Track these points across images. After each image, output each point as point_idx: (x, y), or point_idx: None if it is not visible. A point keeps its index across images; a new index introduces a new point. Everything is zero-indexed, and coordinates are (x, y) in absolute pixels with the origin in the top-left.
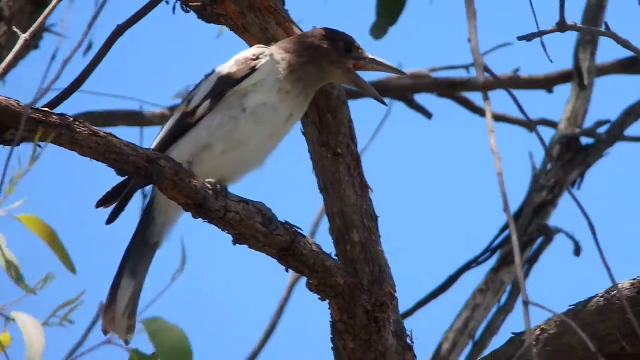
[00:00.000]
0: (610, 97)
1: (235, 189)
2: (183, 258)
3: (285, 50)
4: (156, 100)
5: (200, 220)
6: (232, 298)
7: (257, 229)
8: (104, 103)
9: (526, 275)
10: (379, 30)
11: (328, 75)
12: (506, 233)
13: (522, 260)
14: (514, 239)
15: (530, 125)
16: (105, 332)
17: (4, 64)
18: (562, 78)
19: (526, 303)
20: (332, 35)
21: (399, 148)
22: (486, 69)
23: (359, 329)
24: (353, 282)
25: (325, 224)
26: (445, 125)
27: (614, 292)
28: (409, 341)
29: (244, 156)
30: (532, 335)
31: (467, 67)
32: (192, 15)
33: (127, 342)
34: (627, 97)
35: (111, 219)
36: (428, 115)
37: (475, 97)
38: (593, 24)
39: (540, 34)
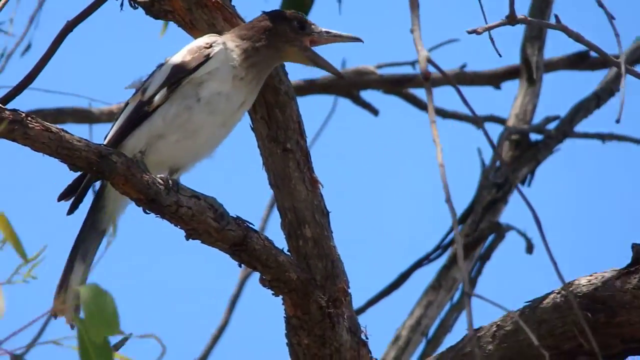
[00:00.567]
0: (559, 93)
1: (185, 183)
2: (114, 226)
3: (239, 37)
4: (104, 98)
5: (152, 215)
6: (183, 294)
7: (209, 224)
8: (52, 100)
9: (479, 272)
10: None
11: (284, 55)
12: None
13: (474, 257)
14: (456, 232)
15: (477, 121)
16: (55, 316)
17: None
18: (510, 74)
19: (467, 295)
20: (284, 15)
21: (345, 144)
22: (429, 60)
23: (313, 325)
24: (306, 277)
25: (274, 219)
26: (392, 121)
27: (571, 289)
28: (363, 337)
29: (196, 145)
30: (488, 332)
31: (413, 64)
32: (140, 11)
33: (72, 327)
34: (576, 93)
35: (71, 210)
36: (374, 111)
37: (422, 94)
38: (540, 19)
39: (489, 27)
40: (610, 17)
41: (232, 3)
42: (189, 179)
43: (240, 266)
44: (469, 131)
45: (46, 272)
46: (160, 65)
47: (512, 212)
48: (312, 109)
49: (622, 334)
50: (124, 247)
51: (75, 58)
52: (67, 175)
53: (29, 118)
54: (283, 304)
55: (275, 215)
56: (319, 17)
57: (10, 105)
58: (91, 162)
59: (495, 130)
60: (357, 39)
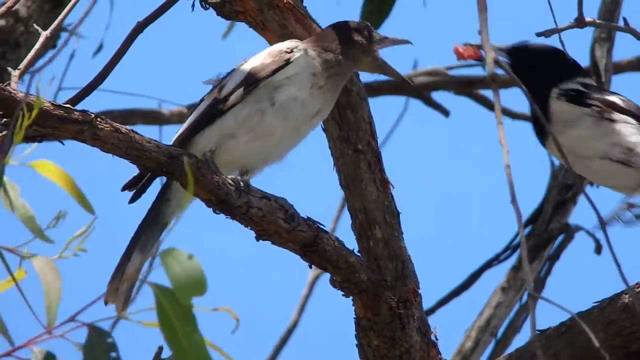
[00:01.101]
0: (627, 95)
1: (256, 183)
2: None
3: (321, 48)
4: (174, 99)
5: (222, 216)
6: (253, 295)
7: (279, 225)
8: (121, 101)
9: (548, 272)
10: None
11: (359, 65)
12: (528, 230)
13: (543, 258)
14: (521, 233)
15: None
16: (106, 303)
17: (24, 62)
18: None
19: (532, 297)
20: (357, 26)
21: (417, 145)
22: (497, 62)
23: (383, 326)
24: (376, 278)
25: (344, 220)
26: (463, 122)
27: (638, 290)
28: (433, 338)
29: (267, 148)
30: (556, 332)
31: (483, 65)
32: (211, 12)
33: (120, 315)
34: None
35: (133, 199)
36: (445, 113)
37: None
38: (609, 21)
39: (558, 30)
40: None
41: (304, 4)
42: (260, 180)
43: (310, 267)
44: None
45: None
46: (240, 65)
47: (582, 212)
48: (383, 110)
49: None
50: (194, 244)
51: (145, 58)
52: (128, 170)
53: (99, 119)
54: (353, 305)
55: (346, 216)
56: (403, 17)
57: (79, 106)
58: (161, 162)
59: None
60: (407, 41)
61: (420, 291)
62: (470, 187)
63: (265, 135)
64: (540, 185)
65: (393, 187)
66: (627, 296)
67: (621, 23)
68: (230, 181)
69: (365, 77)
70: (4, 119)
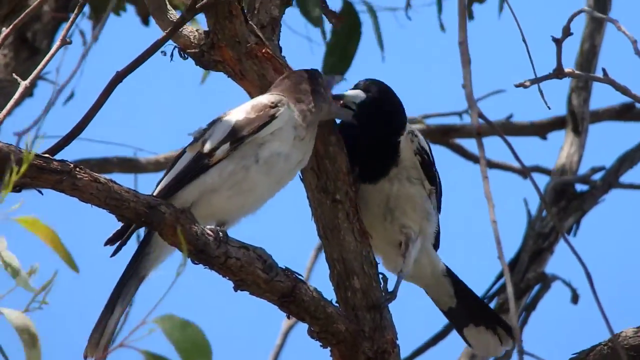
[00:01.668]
0: (604, 144)
1: (232, 234)
2: (184, 259)
3: (295, 100)
4: (151, 147)
5: (200, 266)
6: (226, 345)
7: (258, 275)
8: (98, 150)
9: (524, 322)
10: None
11: (321, 113)
12: (502, 281)
13: (519, 307)
14: (509, 288)
15: (524, 171)
16: (86, 357)
17: (4, 111)
18: (556, 124)
19: (521, 352)
20: (315, 74)
21: None
22: (480, 115)
23: None
24: (355, 329)
25: (319, 269)
26: (439, 171)
27: (618, 340)
28: None
29: (247, 202)
30: None
31: (459, 114)
32: (189, 61)
33: None
34: (621, 144)
35: (115, 252)
36: None
37: (468, 144)
38: (587, 70)
39: (538, 80)
40: None
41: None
42: (237, 229)
43: (288, 317)
44: (512, 181)
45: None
46: (221, 118)
47: (557, 262)
48: None
49: None
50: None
51: (122, 107)
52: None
53: (78, 168)
54: (331, 355)
55: (321, 265)
56: (363, 67)
57: (58, 156)
58: (140, 213)
59: (540, 180)
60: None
61: (398, 342)
62: (446, 237)
63: (247, 191)
64: (517, 235)
65: (372, 238)
66: (605, 347)
67: (599, 73)
68: (209, 231)
69: None
70: None
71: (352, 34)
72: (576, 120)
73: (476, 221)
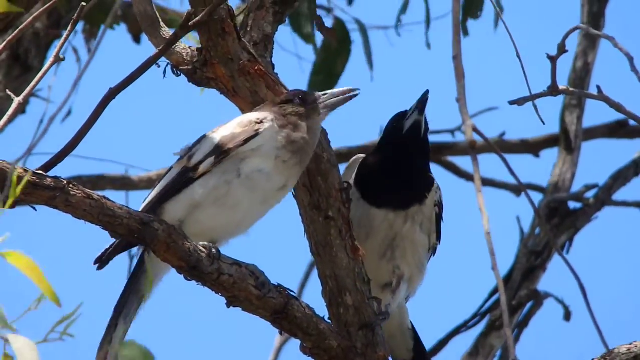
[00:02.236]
0: (597, 161)
1: (225, 251)
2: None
3: (281, 126)
4: (143, 165)
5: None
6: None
7: (250, 291)
8: (90, 167)
9: (516, 339)
10: None
11: (309, 129)
12: (495, 297)
13: (512, 324)
14: (502, 298)
15: (519, 188)
16: None
17: None
18: (549, 142)
19: None
20: (290, 98)
21: None
22: (474, 129)
23: None
24: (347, 345)
25: (312, 286)
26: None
27: (611, 357)
28: None
29: (234, 220)
30: None
31: (452, 132)
32: (182, 79)
33: None
34: (614, 161)
35: (101, 266)
36: None
37: (461, 161)
38: (580, 88)
39: (532, 97)
40: None
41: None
42: (230, 247)
43: (281, 333)
44: (504, 198)
45: (82, 330)
46: (208, 134)
47: (550, 279)
48: None
49: None
50: (160, 309)
51: (114, 124)
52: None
53: (71, 185)
54: None
55: (314, 282)
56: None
57: (50, 173)
58: (133, 229)
59: (533, 198)
60: (353, 92)
61: (390, 359)
62: (438, 255)
63: (232, 207)
64: (509, 252)
65: (364, 255)
66: None
67: (593, 90)
68: (202, 247)
69: (336, 143)
70: None
71: (342, 51)
72: (569, 138)
73: (469, 239)
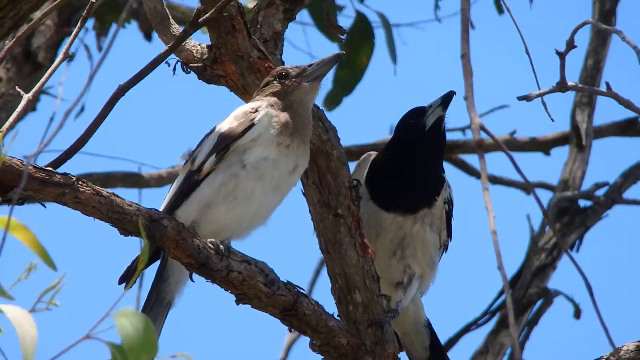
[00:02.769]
0: (608, 160)
1: (236, 247)
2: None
3: (276, 108)
4: (154, 162)
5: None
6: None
7: (259, 289)
8: (101, 165)
9: (527, 337)
10: (332, 101)
11: (299, 103)
12: (504, 297)
13: (522, 323)
14: (508, 299)
15: (528, 187)
16: None
17: (7, 125)
18: (559, 141)
19: None
20: (271, 80)
21: None
22: (482, 128)
23: None
24: (356, 342)
25: (322, 283)
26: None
27: (620, 354)
28: None
29: (249, 213)
30: None
31: (463, 130)
32: (192, 76)
33: None
34: (625, 159)
35: (128, 284)
36: None
37: (471, 160)
38: (591, 86)
39: (541, 94)
40: None
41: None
42: (240, 244)
43: (290, 331)
44: (515, 197)
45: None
46: (208, 134)
47: (560, 278)
48: None
49: None
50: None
51: (125, 121)
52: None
53: (80, 182)
54: None
55: (324, 279)
56: (375, 81)
57: (60, 170)
58: (142, 227)
59: (544, 196)
60: (338, 56)
61: (399, 356)
62: (448, 253)
63: (244, 201)
64: (520, 250)
65: (374, 253)
66: None
67: (603, 87)
68: (211, 245)
69: (346, 141)
70: None
71: (365, 46)
72: (580, 136)
73: (479, 237)
